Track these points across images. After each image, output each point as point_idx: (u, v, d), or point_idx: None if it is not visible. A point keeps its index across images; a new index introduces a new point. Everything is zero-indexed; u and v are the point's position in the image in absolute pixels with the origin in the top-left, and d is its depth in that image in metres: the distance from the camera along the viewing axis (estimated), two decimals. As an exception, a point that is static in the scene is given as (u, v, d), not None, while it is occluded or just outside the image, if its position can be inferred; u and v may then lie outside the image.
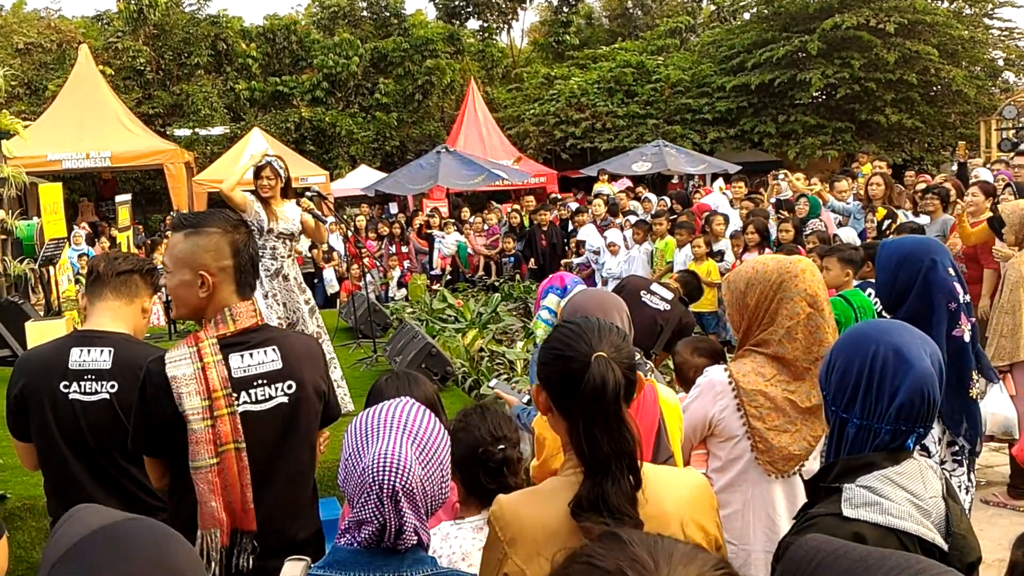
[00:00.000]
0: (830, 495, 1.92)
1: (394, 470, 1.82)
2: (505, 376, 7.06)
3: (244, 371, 2.65)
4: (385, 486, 1.81)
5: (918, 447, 3.06)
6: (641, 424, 2.64)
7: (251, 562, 2.60)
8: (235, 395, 2.61)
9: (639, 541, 1.13)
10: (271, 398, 2.68)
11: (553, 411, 2.07)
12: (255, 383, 2.66)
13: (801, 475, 2.88)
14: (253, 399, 2.65)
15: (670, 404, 2.96)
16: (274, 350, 2.71)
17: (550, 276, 3.87)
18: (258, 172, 6.56)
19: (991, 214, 8.05)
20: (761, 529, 2.88)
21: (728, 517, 2.90)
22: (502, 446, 2.67)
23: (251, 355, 2.67)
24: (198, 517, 2.58)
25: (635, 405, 2.70)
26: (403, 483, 1.82)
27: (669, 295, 5.75)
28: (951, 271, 3.25)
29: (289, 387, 2.70)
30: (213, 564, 2.56)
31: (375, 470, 1.82)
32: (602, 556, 1.10)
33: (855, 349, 1.99)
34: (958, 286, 3.25)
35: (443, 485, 1.94)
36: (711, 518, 2.11)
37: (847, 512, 1.83)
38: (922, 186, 11.32)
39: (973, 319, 3.32)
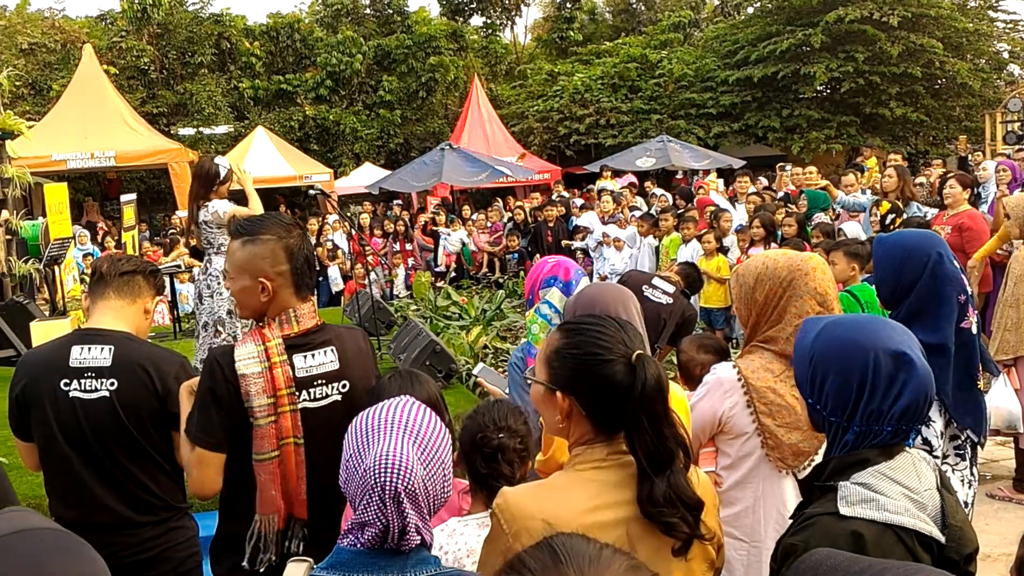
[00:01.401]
0: (825, 494, 1.90)
1: (396, 471, 1.81)
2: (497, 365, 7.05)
3: (306, 371, 2.79)
4: (388, 488, 1.80)
5: (919, 441, 3.08)
6: None
7: (301, 548, 2.72)
8: (297, 393, 2.74)
9: (574, 557, 1.14)
10: (327, 396, 2.81)
11: (576, 415, 2.02)
12: (315, 383, 2.80)
13: (795, 474, 2.86)
14: (312, 397, 2.79)
15: (678, 399, 2.93)
16: (332, 351, 2.84)
17: (551, 262, 3.60)
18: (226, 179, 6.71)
19: (969, 206, 8.08)
20: (772, 525, 2.84)
21: (739, 514, 2.88)
22: (501, 434, 2.67)
23: (312, 356, 2.81)
24: (257, 503, 2.71)
25: None
26: (405, 484, 1.81)
27: (671, 288, 5.73)
28: (955, 264, 3.23)
29: (343, 386, 2.84)
30: (270, 545, 2.71)
31: (376, 472, 1.81)
32: (534, 572, 1.12)
33: (849, 359, 1.92)
34: (964, 278, 3.23)
35: (445, 484, 1.92)
36: (714, 517, 2.10)
37: (843, 510, 1.81)
38: (921, 180, 11.29)
39: (976, 312, 3.30)
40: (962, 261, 7.70)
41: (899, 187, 9.35)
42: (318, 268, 15.75)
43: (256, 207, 6.70)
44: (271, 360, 2.71)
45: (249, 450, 2.71)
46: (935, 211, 8.89)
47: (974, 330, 3.24)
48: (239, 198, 6.97)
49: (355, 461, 1.87)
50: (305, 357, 2.79)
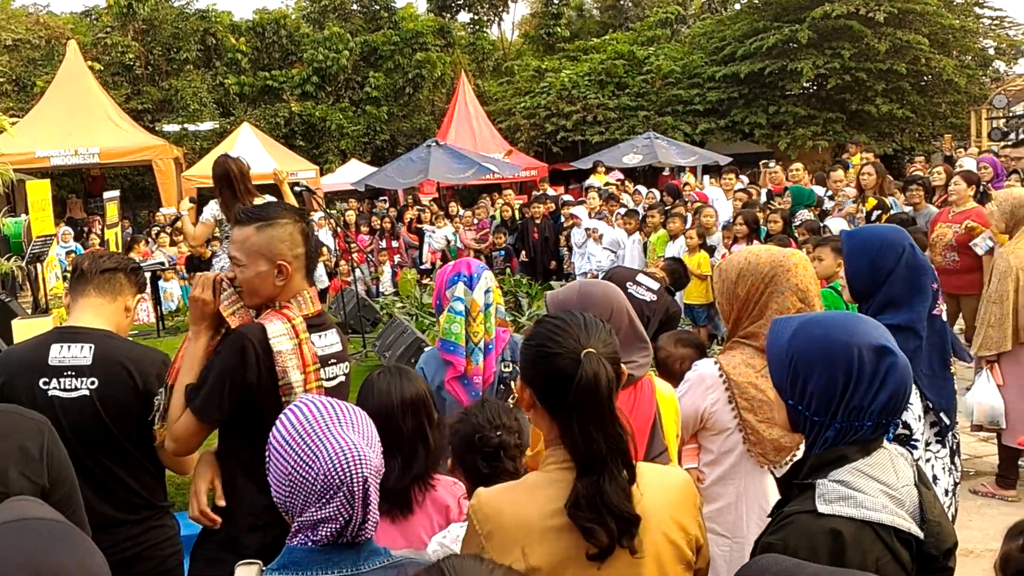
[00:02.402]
0: (803, 491, 1.89)
1: (359, 463, 1.82)
2: None
3: (323, 350, 2.85)
4: (356, 481, 1.81)
5: (900, 427, 3.09)
6: (637, 418, 2.62)
7: None
8: (320, 371, 2.81)
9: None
10: (336, 376, 2.90)
11: (537, 408, 2.03)
12: (329, 362, 2.87)
13: (772, 472, 2.87)
14: (327, 376, 2.85)
15: (666, 397, 2.92)
16: (335, 332, 2.96)
17: (451, 265, 3.75)
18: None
19: (975, 203, 8.07)
20: (755, 521, 2.85)
21: (721, 510, 2.89)
22: (499, 432, 2.66)
23: (325, 335, 2.89)
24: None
25: (632, 398, 2.68)
26: (368, 471, 1.83)
27: (655, 285, 5.74)
28: (924, 254, 3.33)
29: (346, 367, 2.97)
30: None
31: (340, 469, 1.81)
32: None
33: (832, 357, 1.90)
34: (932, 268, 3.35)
35: (382, 466, 1.94)
36: (693, 517, 2.09)
37: (821, 508, 1.81)
38: (917, 173, 11.34)
39: (942, 302, 3.41)
40: (967, 260, 7.73)
41: (877, 184, 9.38)
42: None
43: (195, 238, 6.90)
44: (299, 336, 2.75)
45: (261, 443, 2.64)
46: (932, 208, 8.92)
47: (944, 317, 3.31)
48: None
49: (302, 469, 1.83)
50: (320, 336, 2.86)
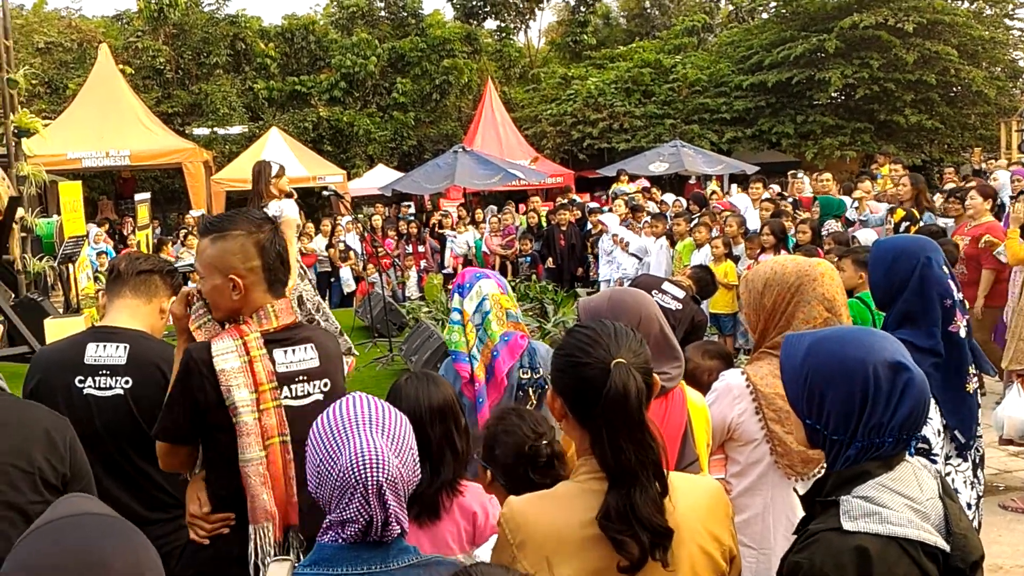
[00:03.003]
0: (827, 508, 1.88)
1: (375, 466, 1.85)
2: None
3: (287, 367, 2.71)
4: (370, 484, 1.84)
5: (919, 440, 3.08)
6: (668, 427, 2.61)
7: (300, 556, 2.60)
8: (280, 389, 2.67)
9: None
10: (309, 395, 2.74)
11: (568, 418, 2.04)
12: (296, 379, 2.72)
13: (796, 490, 2.87)
14: (293, 394, 2.71)
15: (697, 406, 2.91)
16: (312, 348, 2.77)
17: (459, 274, 3.90)
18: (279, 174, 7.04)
19: (991, 217, 8.05)
20: (782, 532, 2.84)
21: (748, 521, 2.87)
22: (545, 440, 2.66)
23: (293, 351, 2.73)
24: (248, 512, 2.61)
25: (663, 408, 2.67)
26: (386, 476, 1.86)
27: (681, 293, 5.73)
28: (944, 269, 3.25)
29: (325, 385, 2.77)
30: (268, 559, 2.55)
31: (356, 470, 1.85)
32: None
33: (848, 375, 1.88)
34: (952, 283, 3.25)
35: (415, 468, 1.97)
36: (726, 527, 2.08)
37: (847, 525, 1.79)
38: (950, 186, 11.24)
39: (967, 316, 3.32)
40: (976, 272, 7.71)
41: (914, 196, 9.32)
42: (330, 269, 15.91)
43: (291, 244, 7.10)
44: (250, 354, 2.64)
45: (234, 457, 2.62)
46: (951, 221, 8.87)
47: (962, 333, 3.25)
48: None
49: (327, 464, 1.89)
50: (286, 352, 2.72)
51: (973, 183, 9.48)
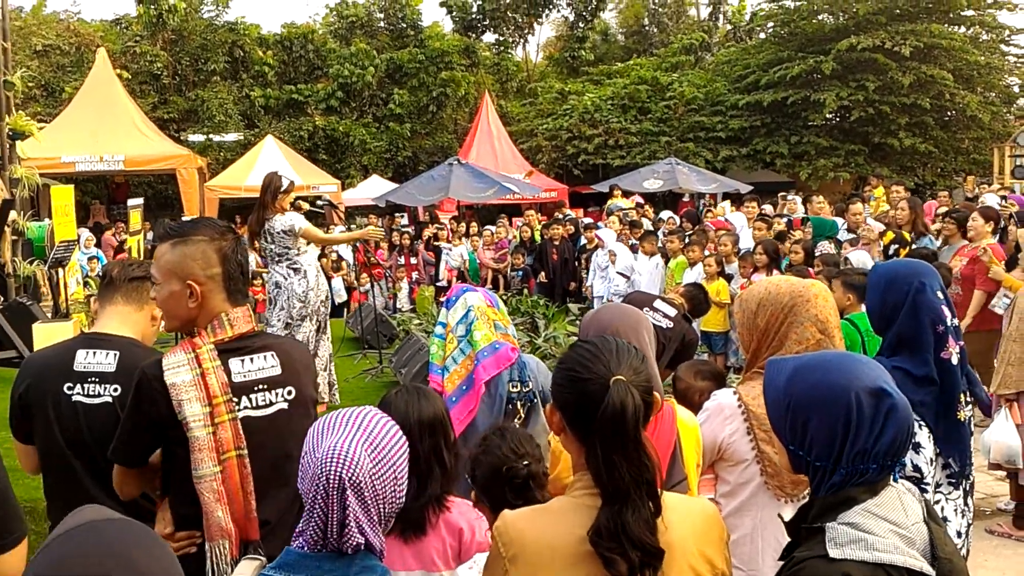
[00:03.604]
0: (812, 535, 1.87)
1: (341, 461, 1.87)
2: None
3: (244, 376, 2.63)
4: (332, 477, 1.86)
5: (910, 467, 3.07)
6: (657, 445, 2.59)
7: None
8: (235, 400, 2.58)
9: None
10: (271, 404, 2.66)
11: (566, 432, 2.04)
12: (256, 388, 2.64)
13: (781, 517, 2.86)
14: (254, 404, 2.63)
15: (688, 425, 2.91)
16: (273, 355, 2.69)
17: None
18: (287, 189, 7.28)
19: (992, 239, 8.08)
20: (771, 554, 2.82)
21: (737, 542, 2.86)
22: (526, 462, 2.65)
23: (251, 360, 2.66)
24: (204, 530, 2.54)
25: (653, 426, 2.66)
26: (350, 474, 1.86)
27: (672, 311, 5.71)
28: (939, 294, 3.24)
29: (289, 393, 2.69)
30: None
31: (323, 462, 1.87)
32: None
33: (830, 402, 1.88)
34: (946, 309, 3.24)
35: (396, 489, 1.96)
36: (720, 551, 2.07)
37: (833, 552, 1.79)
38: (943, 210, 11.25)
39: (961, 342, 3.31)
40: (971, 294, 7.76)
41: (911, 220, 9.35)
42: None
43: (333, 240, 7.98)
44: (202, 366, 2.55)
45: (178, 479, 2.56)
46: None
47: (954, 360, 3.24)
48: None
49: (308, 458, 1.92)
50: (243, 362, 2.64)
51: (963, 209, 9.50)
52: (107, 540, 1.34)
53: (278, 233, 7.11)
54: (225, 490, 2.52)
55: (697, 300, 6.41)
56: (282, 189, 7.15)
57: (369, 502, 1.89)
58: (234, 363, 2.62)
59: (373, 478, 1.89)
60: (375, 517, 1.91)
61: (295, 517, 2.67)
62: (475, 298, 3.84)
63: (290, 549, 1.92)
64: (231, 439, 2.54)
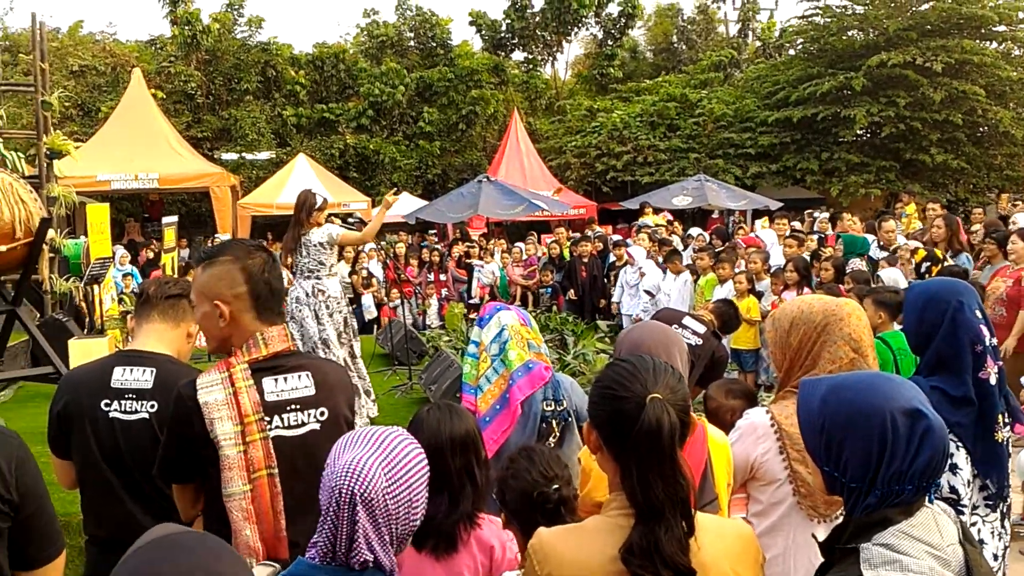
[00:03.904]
0: (846, 556, 1.85)
1: (356, 477, 1.90)
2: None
3: (277, 395, 2.64)
4: (344, 491, 1.89)
5: (947, 489, 3.04)
6: (688, 465, 2.62)
7: None
8: (267, 420, 2.60)
9: None
10: (303, 424, 2.66)
11: (603, 451, 2.05)
12: (288, 408, 2.65)
13: (815, 536, 2.84)
14: (285, 424, 2.64)
15: (719, 444, 2.90)
16: (308, 376, 2.70)
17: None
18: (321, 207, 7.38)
19: None
20: (803, 574, 2.81)
21: (769, 562, 2.83)
22: (556, 485, 2.66)
23: (284, 380, 2.67)
24: (232, 547, 2.57)
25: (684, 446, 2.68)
26: (362, 490, 1.89)
27: (702, 328, 5.69)
28: (978, 313, 3.19)
29: (321, 414, 2.69)
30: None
31: (338, 475, 1.91)
32: None
33: (865, 424, 1.86)
34: (984, 328, 3.19)
35: (410, 510, 1.97)
36: (755, 573, 2.07)
37: (867, 574, 1.77)
38: (977, 227, 11.13)
39: (1000, 362, 3.26)
40: (1014, 316, 7.69)
41: (947, 237, 9.26)
42: (352, 296, 15.96)
43: (369, 233, 7.70)
44: (235, 386, 2.58)
45: (210, 496, 2.59)
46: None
47: (992, 380, 3.19)
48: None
49: (327, 471, 1.96)
50: (276, 381, 2.66)
51: (1000, 228, 9.39)
52: (188, 549, 1.42)
53: (315, 246, 7.24)
54: (255, 509, 2.53)
55: (727, 316, 6.36)
56: (316, 207, 7.26)
57: (380, 520, 1.91)
58: (267, 382, 2.64)
59: (386, 496, 1.91)
60: (386, 536, 1.92)
61: None
62: (509, 317, 3.85)
63: (301, 560, 1.96)
64: (262, 458, 2.56)
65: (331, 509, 1.88)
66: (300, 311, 7.22)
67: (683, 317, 5.84)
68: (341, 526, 1.87)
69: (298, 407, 2.66)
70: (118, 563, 1.45)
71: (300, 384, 2.69)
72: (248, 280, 2.67)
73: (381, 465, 1.93)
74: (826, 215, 14.95)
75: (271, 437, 2.60)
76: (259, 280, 2.69)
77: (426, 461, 2.05)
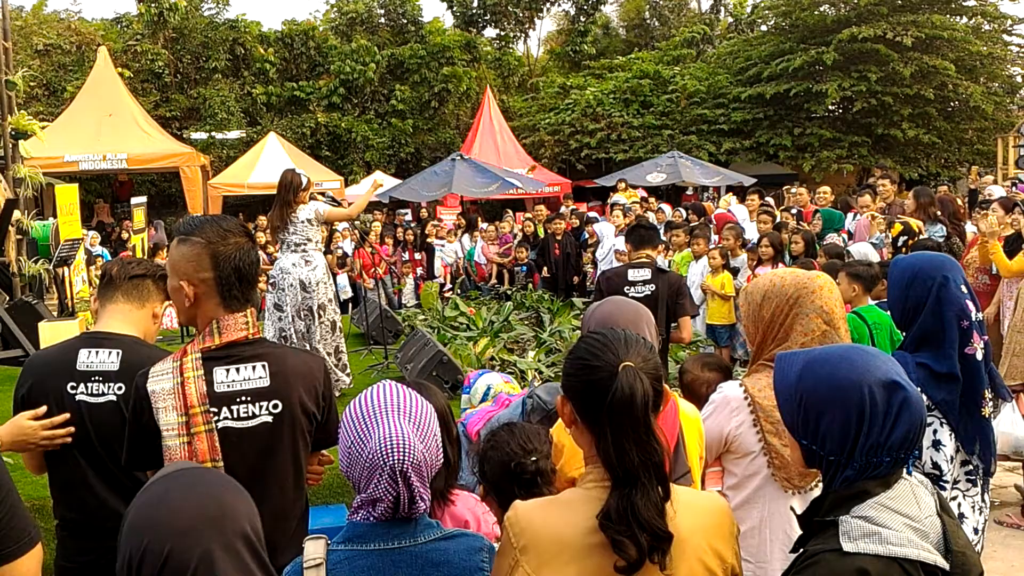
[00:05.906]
0: (825, 529, 1.86)
1: (401, 451, 1.99)
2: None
3: (228, 386, 2.58)
4: (396, 466, 1.98)
5: (929, 465, 3.05)
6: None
7: None
8: (215, 411, 2.54)
9: None
10: (254, 416, 2.59)
11: (578, 423, 2.05)
12: (239, 399, 2.58)
13: (793, 509, 2.84)
14: (235, 416, 2.57)
15: (690, 418, 2.92)
16: (263, 366, 2.62)
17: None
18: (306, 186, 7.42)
19: (1013, 229, 8.05)
20: (779, 546, 2.83)
21: (744, 534, 2.84)
22: (534, 458, 2.67)
23: (237, 370, 2.60)
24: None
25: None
26: (411, 460, 1.99)
27: (647, 274, 5.74)
28: (963, 288, 3.19)
29: (274, 406, 2.61)
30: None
31: (384, 453, 1.99)
32: None
33: (842, 396, 1.87)
34: (970, 304, 3.18)
35: (438, 453, 2.12)
36: (729, 545, 2.07)
37: (846, 546, 1.78)
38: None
39: (986, 337, 3.26)
40: (997, 282, 7.81)
41: (920, 208, 9.31)
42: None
43: (356, 209, 7.88)
44: (184, 375, 2.53)
45: None
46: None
47: (979, 356, 3.18)
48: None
49: (358, 446, 2.03)
50: (228, 371, 2.58)
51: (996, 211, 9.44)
52: (200, 481, 1.71)
53: (302, 222, 7.27)
54: None
55: (636, 233, 6.30)
56: (302, 187, 7.28)
57: (425, 475, 2.05)
58: (219, 372, 2.58)
59: (424, 454, 2.04)
60: (427, 482, 2.08)
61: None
62: (491, 378, 4.12)
63: (356, 522, 2.05)
64: (207, 451, 2.50)
65: (382, 481, 1.98)
66: (284, 279, 7.27)
67: (626, 273, 5.88)
68: (403, 493, 1.99)
69: (249, 399, 2.58)
70: (141, 490, 1.74)
71: (254, 375, 2.60)
72: (215, 267, 2.60)
73: (416, 432, 2.03)
74: (803, 189, 14.99)
75: (219, 429, 2.53)
76: (227, 266, 2.61)
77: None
